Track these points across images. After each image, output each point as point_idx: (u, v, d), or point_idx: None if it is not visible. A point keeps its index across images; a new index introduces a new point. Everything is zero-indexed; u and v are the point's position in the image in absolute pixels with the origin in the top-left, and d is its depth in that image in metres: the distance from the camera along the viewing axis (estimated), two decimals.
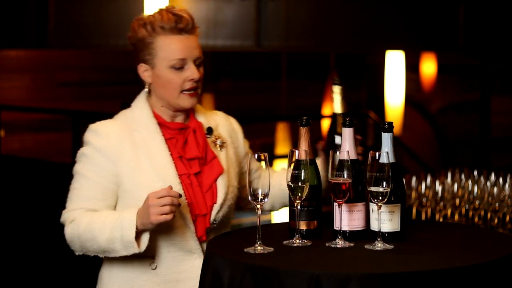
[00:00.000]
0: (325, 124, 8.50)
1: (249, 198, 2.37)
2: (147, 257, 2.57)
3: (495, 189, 3.75)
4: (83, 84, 7.65)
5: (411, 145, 9.27)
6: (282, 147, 7.86)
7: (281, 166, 2.86)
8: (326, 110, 8.64)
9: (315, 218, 2.52)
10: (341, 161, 2.39)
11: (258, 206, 2.38)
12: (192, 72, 2.59)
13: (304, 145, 2.50)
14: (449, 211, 3.90)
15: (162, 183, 2.53)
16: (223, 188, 2.65)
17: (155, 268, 2.59)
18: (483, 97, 8.76)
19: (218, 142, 2.71)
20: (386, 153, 2.37)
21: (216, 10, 6.65)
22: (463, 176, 3.96)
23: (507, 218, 3.77)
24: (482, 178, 3.87)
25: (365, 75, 10.04)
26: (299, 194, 2.39)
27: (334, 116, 2.62)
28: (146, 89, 2.67)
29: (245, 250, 2.35)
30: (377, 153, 2.36)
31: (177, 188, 2.55)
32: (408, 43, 7.77)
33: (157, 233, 2.54)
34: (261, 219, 2.41)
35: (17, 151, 7.38)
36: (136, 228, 2.46)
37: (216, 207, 2.62)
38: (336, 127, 2.59)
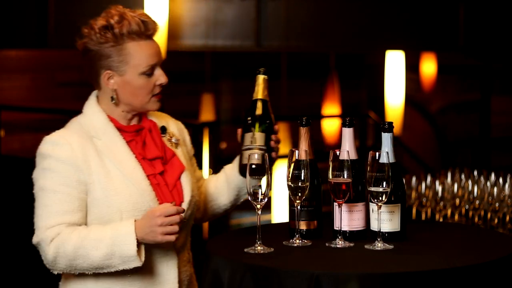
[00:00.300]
0: (325, 124, 8.50)
1: (249, 198, 2.37)
2: None
3: (495, 189, 3.76)
4: (83, 84, 7.63)
5: (411, 145, 9.26)
6: (282, 147, 7.85)
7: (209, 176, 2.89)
8: (326, 110, 8.63)
9: (315, 218, 2.52)
10: (341, 161, 2.39)
11: (258, 206, 2.38)
12: (161, 77, 2.58)
13: (304, 145, 2.51)
14: (449, 211, 3.90)
15: (134, 187, 2.51)
16: (188, 185, 2.62)
17: (130, 271, 2.50)
18: (483, 97, 8.76)
19: (173, 140, 2.69)
20: (386, 153, 2.37)
21: (216, 10, 6.64)
22: (463, 176, 3.96)
23: (507, 218, 3.77)
24: (482, 178, 3.87)
25: (365, 75, 10.03)
26: (299, 194, 2.39)
27: (255, 101, 2.65)
28: (95, 95, 2.63)
29: (245, 250, 2.35)
30: (377, 153, 2.36)
31: (148, 189, 2.53)
32: (408, 43, 7.77)
33: None
34: (261, 219, 2.42)
35: (17, 151, 7.38)
36: (137, 241, 2.42)
37: (185, 205, 2.58)
38: (253, 112, 2.63)
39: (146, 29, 2.55)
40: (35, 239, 2.49)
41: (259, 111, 2.61)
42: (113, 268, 2.45)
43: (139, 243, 2.43)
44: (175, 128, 2.75)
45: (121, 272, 2.48)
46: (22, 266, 5.52)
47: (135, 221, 2.45)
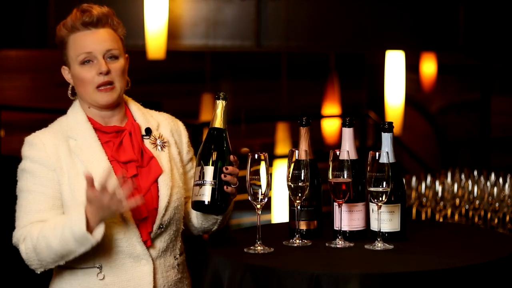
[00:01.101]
0: (325, 124, 8.50)
1: (249, 198, 2.37)
2: (94, 267, 2.50)
3: (495, 189, 3.76)
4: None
5: (411, 145, 9.26)
6: (282, 147, 7.86)
7: None
8: (326, 110, 8.63)
9: (315, 218, 2.52)
10: (341, 161, 2.39)
11: (258, 206, 2.38)
12: (99, 66, 2.51)
13: (304, 145, 2.50)
14: (449, 211, 3.90)
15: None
16: (166, 189, 2.54)
17: (103, 278, 2.49)
18: (483, 97, 8.76)
19: (158, 142, 2.61)
20: (386, 153, 2.38)
21: (216, 10, 6.64)
22: (463, 176, 3.97)
23: (507, 218, 3.77)
24: (482, 178, 3.87)
25: (365, 75, 10.04)
26: (299, 194, 2.39)
27: (211, 130, 2.46)
28: (69, 92, 2.63)
29: (245, 250, 2.35)
30: (377, 153, 2.36)
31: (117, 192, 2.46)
32: (408, 43, 7.77)
33: (102, 240, 2.42)
34: (261, 219, 2.42)
35: (17, 151, 7.36)
36: (87, 219, 2.36)
37: (160, 211, 2.52)
38: (206, 144, 2.44)
39: (84, 19, 2.53)
40: (13, 240, 2.53)
41: (212, 143, 2.43)
42: (75, 253, 2.41)
43: (89, 222, 2.36)
44: (167, 129, 2.67)
45: (93, 275, 2.48)
46: (22, 266, 5.52)
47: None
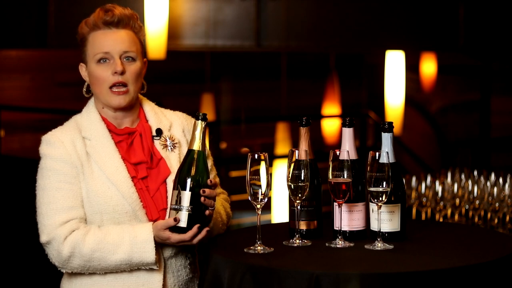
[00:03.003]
0: (325, 124, 8.50)
1: (249, 198, 2.37)
2: None
3: (495, 189, 3.76)
4: (83, 84, 7.64)
5: (411, 145, 9.27)
6: (282, 147, 7.85)
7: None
8: (326, 110, 8.63)
9: (315, 218, 2.52)
10: (341, 161, 2.39)
11: (258, 206, 2.38)
12: (115, 65, 2.53)
13: (304, 145, 2.50)
14: (449, 211, 3.90)
15: (115, 189, 2.50)
16: None
17: (114, 276, 2.53)
18: (483, 97, 8.76)
19: (169, 143, 2.63)
20: (386, 153, 2.37)
21: (216, 10, 6.64)
22: (463, 176, 3.97)
23: (507, 218, 3.77)
24: (482, 178, 3.87)
25: (365, 75, 10.04)
26: (299, 194, 2.39)
27: (188, 152, 2.45)
28: (84, 89, 2.64)
29: (245, 250, 2.35)
30: (377, 153, 2.36)
31: (131, 191, 2.51)
32: (408, 43, 7.77)
33: None
34: (261, 219, 2.42)
35: (17, 151, 7.38)
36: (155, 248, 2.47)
37: (168, 211, 2.53)
38: (188, 163, 2.43)
39: (106, 18, 2.54)
40: (45, 238, 2.49)
41: (190, 166, 2.42)
42: (128, 269, 2.51)
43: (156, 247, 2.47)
44: (180, 128, 2.69)
45: (105, 274, 2.52)
46: (22, 266, 5.52)
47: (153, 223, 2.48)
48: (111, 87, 2.54)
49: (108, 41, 2.54)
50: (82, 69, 2.62)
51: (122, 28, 2.57)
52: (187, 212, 2.39)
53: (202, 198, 2.40)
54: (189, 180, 2.40)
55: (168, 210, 2.47)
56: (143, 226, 2.47)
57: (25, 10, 6.31)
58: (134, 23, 2.59)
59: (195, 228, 2.40)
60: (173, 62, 7.48)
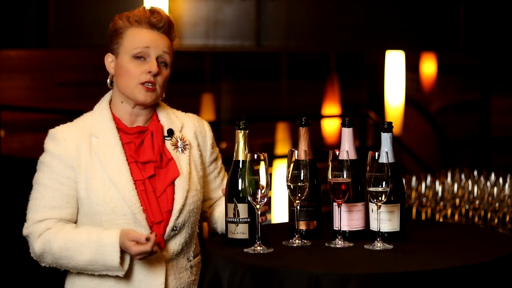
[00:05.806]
0: (325, 124, 8.50)
1: (248, 198, 2.37)
2: None
3: (495, 189, 3.76)
4: (83, 84, 7.66)
5: (411, 145, 9.27)
6: (282, 147, 7.86)
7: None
8: (326, 110, 8.64)
9: (314, 218, 2.52)
10: (340, 161, 2.39)
11: (258, 206, 2.38)
12: (151, 65, 2.54)
13: (303, 145, 2.50)
14: (449, 211, 3.90)
15: (116, 191, 2.50)
16: (182, 192, 2.56)
17: (115, 278, 2.53)
18: (483, 97, 8.76)
19: (180, 144, 2.63)
20: (385, 153, 2.38)
21: (216, 10, 6.64)
22: (463, 176, 3.97)
23: (507, 218, 3.77)
24: (482, 178, 3.87)
25: (365, 75, 10.04)
26: (299, 194, 2.39)
27: (236, 163, 2.44)
28: (110, 93, 2.64)
29: (245, 250, 2.35)
30: (376, 153, 2.36)
31: (131, 194, 2.51)
32: (408, 43, 7.77)
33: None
34: None
35: (17, 151, 7.38)
36: (120, 252, 2.45)
37: (175, 213, 2.55)
38: (238, 175, 2.42)
39: (151, 19, 2.57)
40: (24, 231, 2.54)
41: (240, 177, 2.41)
42: (97, 272, 2.51)
43: (122, 252, 2.46)
44: (192, 130, 2.69)
45: (105, 276, 2.53)
46: (23, 265, 5.52)
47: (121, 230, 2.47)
48: (142, 83, 2.55)
49: (150, 39, 2.56)
50: (108, 59, 2.61)
51: (163, 33, 2.60)
52: (247, 224, 2.42)
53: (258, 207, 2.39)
54: (244, 192, 2.40)
55: (224, 223, 2.46)
56: (112, 230, 2.47)
57: (25, 10, 6.31)
58: (173, 31, 2.63)
59: (154, 238, 2.40)
60: (173, 62, 7.48)
